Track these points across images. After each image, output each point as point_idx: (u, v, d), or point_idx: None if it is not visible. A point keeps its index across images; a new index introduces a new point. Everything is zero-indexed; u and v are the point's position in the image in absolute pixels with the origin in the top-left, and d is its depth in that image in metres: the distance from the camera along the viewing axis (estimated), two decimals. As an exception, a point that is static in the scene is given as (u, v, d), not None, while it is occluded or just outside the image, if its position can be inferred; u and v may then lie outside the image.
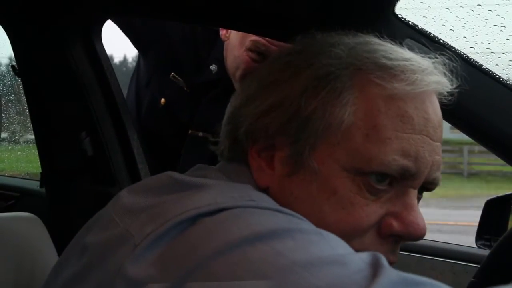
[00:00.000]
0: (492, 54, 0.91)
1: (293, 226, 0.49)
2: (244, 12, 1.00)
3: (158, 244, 0.48)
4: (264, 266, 0.43)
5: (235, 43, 1.49)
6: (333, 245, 0.47)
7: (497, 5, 0.88)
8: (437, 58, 0.63)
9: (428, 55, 0.62)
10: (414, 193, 0.58)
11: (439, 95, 0.62)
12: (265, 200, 0.55)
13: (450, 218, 10.54)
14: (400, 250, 1.25)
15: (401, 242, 0.60)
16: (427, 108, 0.58)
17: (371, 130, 0.56)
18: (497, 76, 0.90)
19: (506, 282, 0.85)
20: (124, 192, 0.60)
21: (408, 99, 0.57)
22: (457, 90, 0.62)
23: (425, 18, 0.91)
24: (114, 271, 0.49)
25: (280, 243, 0.45)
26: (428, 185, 0.61)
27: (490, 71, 0.89)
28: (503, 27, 0.89)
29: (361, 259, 0.45)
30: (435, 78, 0.59)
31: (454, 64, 0.64)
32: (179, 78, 1.61)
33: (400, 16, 0.90)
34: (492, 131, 0.91)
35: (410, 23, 0.91)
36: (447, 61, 0.63)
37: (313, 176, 0.57)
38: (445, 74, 0.62)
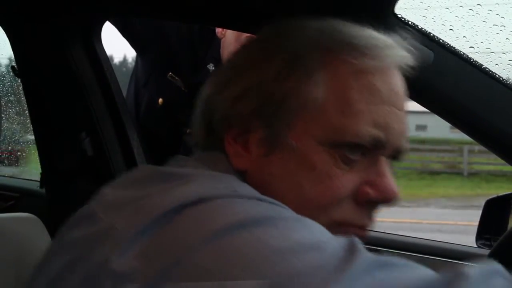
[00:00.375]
0: (491, 53, 0.91)
1: (275, 214, 0.51)
2: (243, 12, 1.00)
3: (143, 236, 0.49)
4: (249, 254, 0.45)
5: (231, 40, 1.51)
6: (313, 231, 0.50)
7: (497, 5, 0.88)
8: (399, 36, 0.67)
9: (391, 34, 0.67)
10: (385, 161, 0.62)
11: (402, 68, 0.65)
12: (248, 190, 0.57)
13: (450, 218, 10.55)
14: (400, 250, 1.26)
15: (376, 206, 0.63)
16: (393, 81, 0.62)
17: (343, 105, 0.60)
18: (497, 76, 0.90)
19: (506, 281, 0.86)
20: (107, 188, 0.62)
21: (375, 73, 0.61)
22: (420, 64, 0.66)
23: (424, 18, 0.91)
24: (99, 264, 0.49)
25: (263, 231, 0.47)
26: (397, 154, 0.64)
27: (490, 70, 0.90)
28: (503, 27, 0.89)
29: (339, 243, 0.48)
30: (399, 52, 0.63)
31: (415, 41, 0.69)
32: (176, 78, 1.61)
33: (399, 16, 0.90)
34: (492, 130, 0.91)
35: (410, 22, 0.91)
36: (408, 37, 0.67)
37: (291, 153, 0.60)
38: (407, 49, 0.65)
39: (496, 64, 0.89)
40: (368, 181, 0.61)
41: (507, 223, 1.20)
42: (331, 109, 0.60)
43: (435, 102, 0.94)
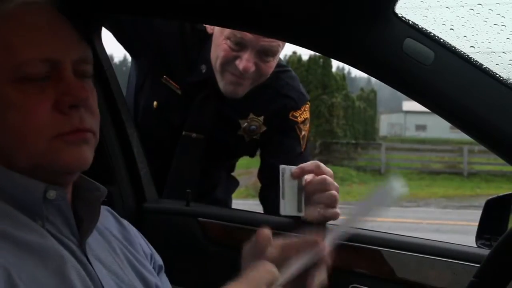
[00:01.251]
0: (492, 53, 0.91)
1: None
2: (243, 11, 1.00)
3: None
4: None
5: (217, 33, 1.53)
6: None
7: (498, 4, 0.88)
8: None
9: None
10: (69, 74, 0.75)
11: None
12: None
13: (449, 218, 10.55)
14: (400, 250, 1.26)
15: (80, 111, 0.75)
16: (40, 13, 0.76)
17: (7, 46, 0.72)
18: (497, 76, 0.90)
19: (506, 281, 0.85)
20: None
21: (20, 12, 0.74)
22: None
23: (425, 17, 0.91)
24: None
25: None
26: (80, 70, 0.78)
27: (491, 70, 0.89)
28: (504, 26, 0.89)
29: None
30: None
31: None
32: (171, 81, 1.62)
33: (400, 15, 0.90)
34: (492, 130, 0.91)
35: (410, 22, 0.91)
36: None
37: None
38: None
39: (496, 64, 0.89)
40: (60, 92, 0.73)
41: (507, 223, 1.20)
42: (1, 54, 0.71)
43: (435, 102, 0.94)
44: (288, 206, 1.29)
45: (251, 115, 1.64)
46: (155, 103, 1.64)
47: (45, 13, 0.76)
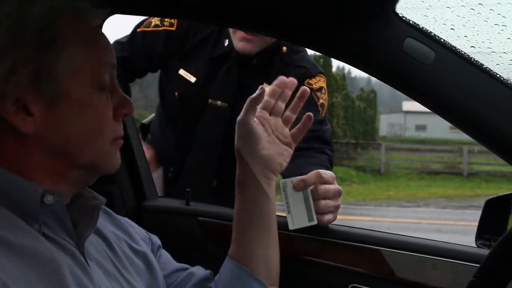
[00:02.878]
0: (493, 53, 0.91)
1: None
2: (244, 11, 1.00)
3: None
4: None
5: None
6: None
7: (499, 4, 0.88)
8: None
9: None
10: (116, 84, 0.85)
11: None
12: None
13: (449, 218, 10.55)
14: (400, 250, 1.26)
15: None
16: (101, 31, 0.86)
17: (90, 51, 0.80)
18: (498, 76, 0.90)
19: (506, 281, 0.86)
20: None
21: (96, 30, 0.83)
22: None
23: (425, 17, 0.91)
24: None
25: None
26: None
27: (491, 70, 0.89)
28: (504, 26, 0.89)
29: None
30: (95, 13, 0.84)
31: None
32: (187, 74, 1.80)
33: (401, 15, 0.90)
34: (493, 130, 0.91)
35: (411, 22, 0.91)
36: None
37: (70, 102, 0.77)
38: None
39: (497, 64, 0.89)
40: (118, 104, 0.84)
41: (506, 223, 1.20)
42: (87, 64, 0.79)
43: (435, 102, 0.94)
44: (296, 219, 1.26)
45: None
46: (176, 93, 1.82)
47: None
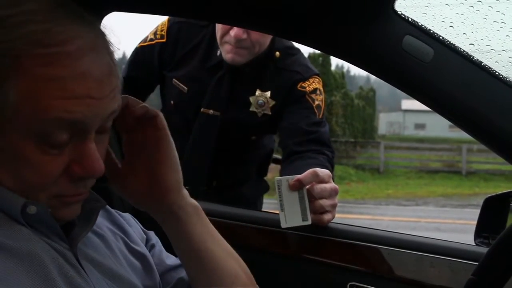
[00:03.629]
0: (492, 51, 0.90)
1: None
2: (243, 8, 1.00)
3: None
4: None
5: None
6: None
7: (497, 2, 0.88)
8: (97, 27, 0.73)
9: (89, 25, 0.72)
10: (90, 139, 0.71)
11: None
12: None
13: (448, 216, 10.57)
14: (399, 248, 1.26)
15: (87, 180, 0.74)
16: (86, 79, 0.68)
17: (36, 104, 0.65)
18: (497, 73, 0.89)
19: (504, 279, 0.85)
20: None
21: (67, 79, 0.66)
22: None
23: (424, 14, 0.90)
24: None
25: None
26: (102, 130, 0.74)
27: (490, 68, 0.89)
28: (503, 24, 0.89)
29: None
30: (90, 56, 0.68)
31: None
32: (180, 84, 1.83)
33: (399, 12, 0.90)
34: (492, 128, 0.91)
35: (410, 19, 0.90)
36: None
37: (4, 150, 0.68)
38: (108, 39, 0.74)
39: (496, 62, 0.89)
40: (75, 160, 0.70)
41: (505, 221, 1.20)
42: (26, 109, 0.65)
43: (434, 99, 0.93)
44: (290, 218, 1.25)
45: (258, 91, 1.78)
46: (172, 102, 1.86)
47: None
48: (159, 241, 1.01)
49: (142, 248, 0.94)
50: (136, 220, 1.00)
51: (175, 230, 0.88)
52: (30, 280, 0.67)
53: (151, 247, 0.98)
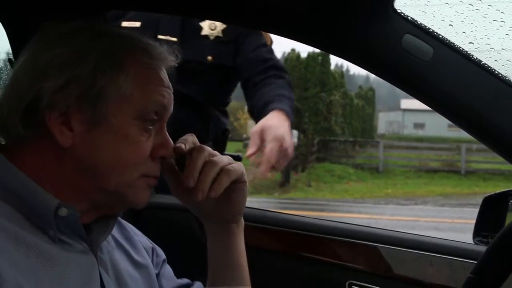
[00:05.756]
0: (491, 49, 0.91)
1: None
2: (243, 6, 1.00)
3: None
4: None
5: None
6: None
7: (497, 0, 0.88)
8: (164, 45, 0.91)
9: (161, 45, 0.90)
10: (165, 127, 0.87)
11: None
12: None
13: (447, 216, 10.57)
14: (398, 246, 1.26)
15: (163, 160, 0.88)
16: (165, 74, 0.88)
17: (143, 87, 0.83)
18: (496, 72, 0.90)
19: (503, 278, 0.86)
20: None
21: (158, 69, 0.86)
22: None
23: (424, 13, 0.90)
24: None
25: None
26: (166, 119, 0.89)
27: (489, 66, 0.89)
28: (503, 22, 0.89)
29: None
30: (165, 60, 0.88)
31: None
32: None
33: (399, 11, 0.90)
34: (492, 128, 0.91)
35: (409, 18, 0.90)
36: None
37: (109, 127, 0.80)
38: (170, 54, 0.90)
39: (495, 60, 0.89)
40: (159, 144, 0.86)
41: (504, 220, 1.20)
42: (136, 92, 0.82)
43: (433, 98, 0.94)
44: None
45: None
46: None
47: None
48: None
49: (145, 259, 0.97)
50: (139, 232, 1.04)
51: (225, 243, 0.97)
52: (51, 281, 0.74)
53: (162, 262, 1.03)
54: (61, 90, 0.78)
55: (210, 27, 1.91)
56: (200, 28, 1.90)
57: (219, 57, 1.96)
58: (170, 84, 0.89)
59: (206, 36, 1.90)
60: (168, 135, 0.87)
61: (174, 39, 1.85)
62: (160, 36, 1.83)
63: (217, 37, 1.91)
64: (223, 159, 0.90)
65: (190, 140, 0.90)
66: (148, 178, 0.85)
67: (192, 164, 0.87)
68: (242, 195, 0.94)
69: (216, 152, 0.91)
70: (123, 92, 0.81)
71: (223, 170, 0.89)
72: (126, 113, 0.81)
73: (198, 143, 0.91)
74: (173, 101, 0.88)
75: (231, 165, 0.90)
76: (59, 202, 0.77)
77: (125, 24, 1.84)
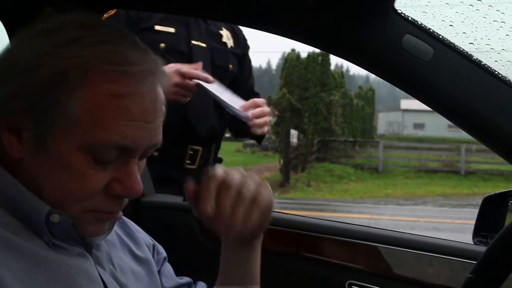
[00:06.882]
0: (491, 50, 0.91)
1: None
2: (243, 6, 1.00)
3: None
4: None
5: None
6: None
7: (497, 1, 0.88)
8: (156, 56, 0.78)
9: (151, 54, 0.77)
10: (134, 162, 0.75)
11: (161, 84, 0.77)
12: None
13: (447, 216, 10.57)
14: (398, 246, 1.26)
15: (123, 198, 0.78)
16: (144, 100, 0.73)
17: (96, 121, 0.70)
18: (496, 73, 0.90)
19: (502, 278, 0.86)
20: None
21: (127, 96, 0.71)
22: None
23: (424, 13, 0.90)
24: None
25: None
26: (146, 154, 0.78)
27: (489, 67, 0.89)
28: (503, 23, 0.89)
29: None
30: (150, 79, 0.74)
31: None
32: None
33: (399, 11, 0.90)
34: (492, 128, 0.91)
35: (410, 18, 0.90)
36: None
37: (51, 155, 0.72)
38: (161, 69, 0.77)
39: (495, 61, 0.89)
40: (117, 179, 0.74)
41: (504, 220, 1.20)
42: (85, 122, 0.70)
43: (433, 98, 0.94)
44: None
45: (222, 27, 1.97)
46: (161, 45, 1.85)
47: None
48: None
49: (146, 254, 0.96)
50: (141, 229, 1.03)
51: (245, 255, 0.93)
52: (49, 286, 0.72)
53: (163, 260, 1.01)
54: (12, 98, 0.71)
55: (227, 36, 1.95)
56: (220, 36, 1.93)
57: (235, 66, 2.00)
58: (158, 110, 0.75)
59: (225, 44, 1.94)
60: (134, 171, 0.75)
61: (204, 45, 1.87)
62: (193, 42, 1.85)
63: (232, 47, 1.95)
64: (250, 188, 0.83)
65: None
66: (98, 213, 0.76)
67: (220, 210, 0.81)
68: (267, 217, 0.88)
69: (243, 181, 0.83)
70: (70, 116, 0.70)
71: (253, 206, 0.83)
72: (71, 141, 0.71)
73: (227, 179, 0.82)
74: (153, 134, 0.75)
75: (260, 195, 0.84)
76: (50, 209, 0.73)
77: (158, 28, 1.83)
